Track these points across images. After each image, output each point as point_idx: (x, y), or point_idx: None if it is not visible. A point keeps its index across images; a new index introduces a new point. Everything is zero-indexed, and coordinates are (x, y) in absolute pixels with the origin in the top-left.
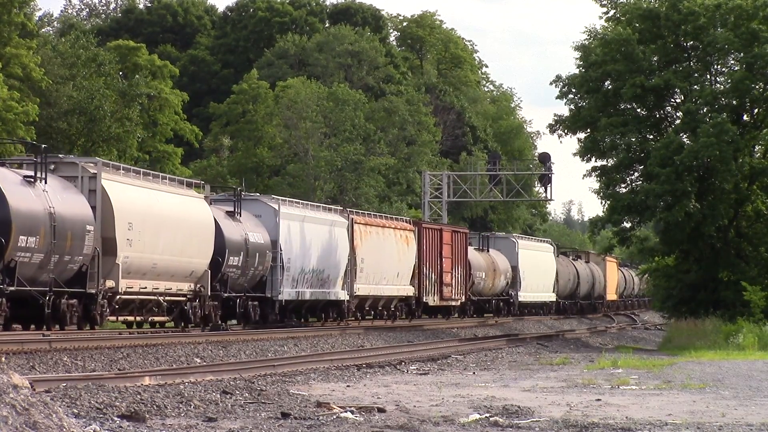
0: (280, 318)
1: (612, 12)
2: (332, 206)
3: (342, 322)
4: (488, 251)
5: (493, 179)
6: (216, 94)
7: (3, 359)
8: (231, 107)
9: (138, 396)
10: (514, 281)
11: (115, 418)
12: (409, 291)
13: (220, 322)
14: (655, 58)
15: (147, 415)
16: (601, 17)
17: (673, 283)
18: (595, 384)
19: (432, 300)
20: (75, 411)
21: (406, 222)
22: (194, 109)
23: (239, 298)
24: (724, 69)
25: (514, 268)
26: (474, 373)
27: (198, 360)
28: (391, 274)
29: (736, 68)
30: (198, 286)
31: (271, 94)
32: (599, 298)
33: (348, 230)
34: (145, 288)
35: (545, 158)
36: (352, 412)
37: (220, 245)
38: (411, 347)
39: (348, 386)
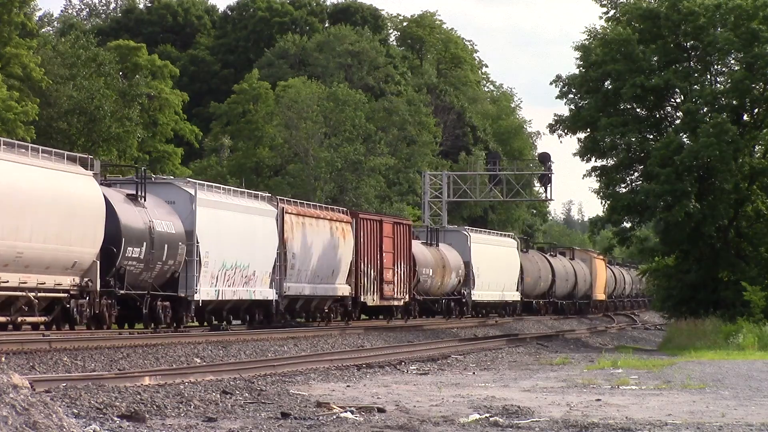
0: (199, 321)
1: (612, 12)
2: (260, 193)
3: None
4: (437, 246)
5: (493, 179)
6: (216, 94)
7: (3, 359)
8: (231, 107)
9: (138, 396)
10: (467, 279)
11: (115, 418)
12: (345, 290)
13: (109, 322)
14: (655, 58)
15: (147, 415)
16: (601, 17)
17: (673, 283)
18: (595, 384)
19: (371, 300)
20: (75, 411)
21: (342, 212)
22: (194, 109)
23: (144, 297)
24: (724, 69)
25: (467, 264)
26: (474, 373)
27: (198, 360)
28: (326, 271)
29: (736, 68)
30: (84, 280)
31: (271, 94)
32: (585, 297)
33: (278, 221)
34: (7, 282)
35: (545, 158)
36: (352, 412)
37: (115, 233)
38: (411, 347)
39: (348, 386)
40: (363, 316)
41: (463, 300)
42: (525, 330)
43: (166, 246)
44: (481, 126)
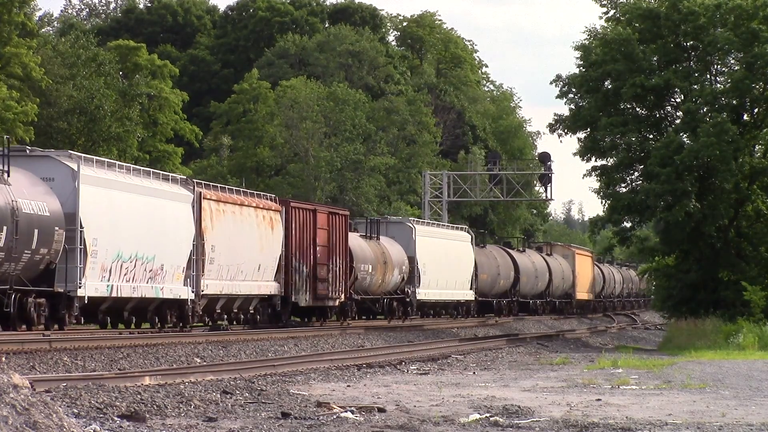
0: (91, 321)
1: (612, 12)
2: (172, 174)
3: (186, 328)
4: (377, 239)
5: (493, 179)
6: (216, 93)
7: (3, 359)
8: (232, 107)
9: (138, 396)
10: (412, 276)
11: (115, 418)
12: (274, 288)
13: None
14: (655, 58)
15: (147, 415)
16: (601, 17)
17: (673, 283)
18: (595, 384)
19: (303, 299)
20: (75, 411)
21: (271, 200)
22: (194, 109)
23: (10, 293)
24: (724, 69)
25: (412, 260)
26: (474, 373)
27: (198, 360)
28: (251, 266)
29: (736, 68)
30: None
31: (271, 93)
32: (564, 296)
33: (194, 207)
34: None
35: (545, 158)
36: (352, 412)
37: None
38: (411, 347)
39: (348, 386)
40: (294, 319)
41: (407, 299)
42: (525, 330)
43: (36, 231)
44: (481, 125)
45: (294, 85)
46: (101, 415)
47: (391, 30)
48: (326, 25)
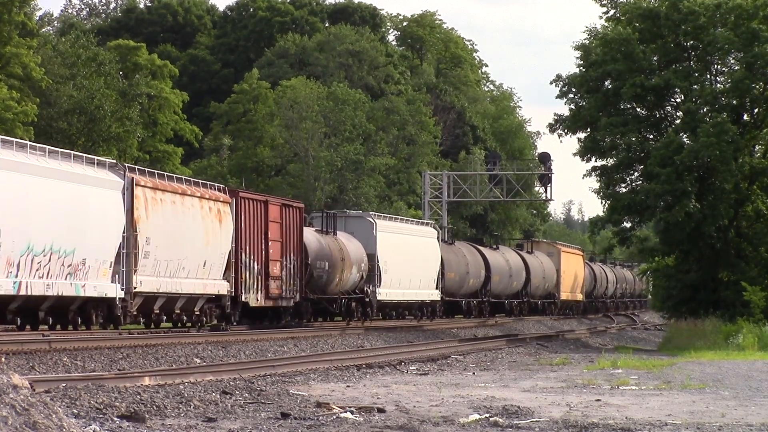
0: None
1: (612, 12)
2: (98, 157)
3: (117, 329)
4: (334, 234)
5: (493, 179)
6: (216, 93)
7: (3, 359)
8: (232, 107)
9: (138, 396)
10: (372, 274)
11: (115, 418)
12: (223, 287)
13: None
14: (655, 58)
15: (147, 416)
16: (601, 17)
17: (673, 283)
18: (594, 384)
19: (254, 299)
20: (75, 411)
21: (219, 190)
22: (194, 109)
23: None
24: (724, 69)
25: (372, 257)
26: (474, 373)
27: (198, 360)
28: (195, 262)
29: (736, 68)
30: None
31: (271, 93)
32: (547, 296)
33: (124, 195)
34: None
35: (545, 158)
36: (352, 413)
37: None
38: (411, 347)
39: (348, 386)
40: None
41: (367, 299)
42: (525, 330)
43: None
44: (480, 126)
45: (293, 85)
46: (101, 416)
47: (391, 30)
48: (326, 25)
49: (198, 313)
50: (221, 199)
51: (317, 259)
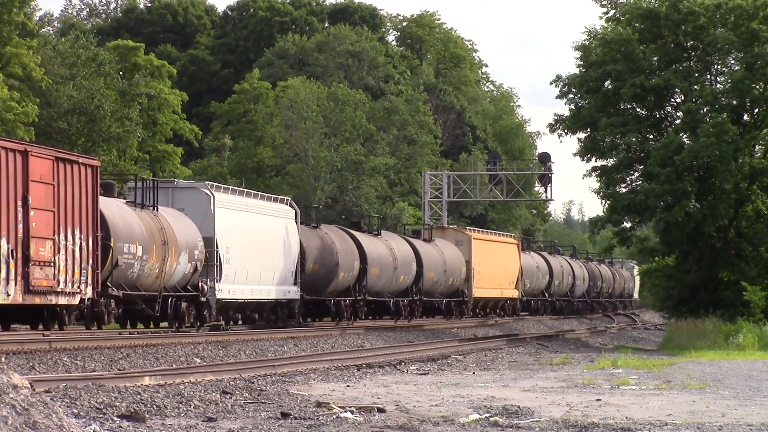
0: None
1: (612, 12)
2: None
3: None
4: (155, 210)
5: (493, 179)
6: (216, 94)
7: (3, 359)
8: (232, 107)
9: (138, 396)
10: (209, 265)
11: (115, 418)
12: None
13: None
14: (655, 58)
15: (147, 415)
16: (601, 17)
17: (673, 283)
18: (595, 384)
19: (2, 294)
20: (75, 411)
21: None
22: (194, 109)
23: None
24: (724, 69)
25: (209, 242)
26: (474, 373)
27: (198, 360)
28: None
29: (736, 68)
30: None
31: (271, 94)
32: (454, 294)
33: None
34: None
35: (545, 158)
36: (352, 412)
37: None
38: (411, 347)
39: (348, 386)
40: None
41: (203, 298)
42: (525, 330)
43: None
44: (481, 126)
45: (293, 85)
46: (101, 415)
47: (391, 30)
48: (326, 25)
49: None
50: None
51: (125, 240)
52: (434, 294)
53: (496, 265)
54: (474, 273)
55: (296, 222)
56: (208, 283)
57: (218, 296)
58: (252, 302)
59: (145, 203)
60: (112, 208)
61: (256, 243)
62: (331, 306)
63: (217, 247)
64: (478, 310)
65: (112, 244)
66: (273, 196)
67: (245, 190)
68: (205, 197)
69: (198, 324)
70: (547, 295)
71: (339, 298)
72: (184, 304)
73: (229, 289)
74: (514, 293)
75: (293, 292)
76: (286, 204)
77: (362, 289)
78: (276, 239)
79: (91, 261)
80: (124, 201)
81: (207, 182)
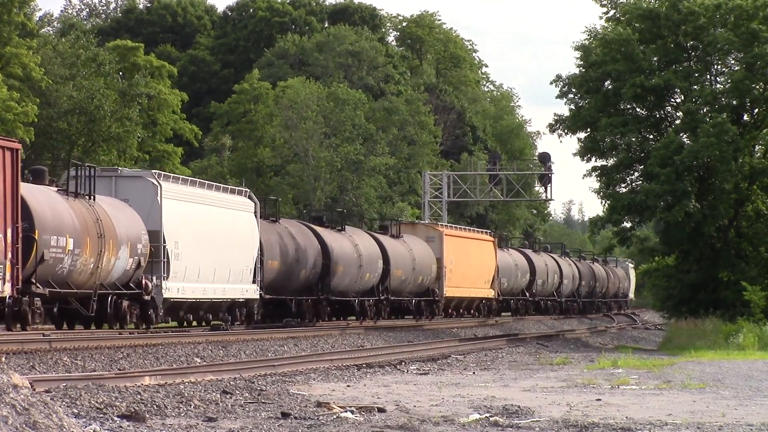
0: None
1: (612, 12)
2: None
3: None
4: (91, 199)
5: (493, 179)
6: (216, 94)
7: (3, 359)
8: (232, 107)
9: (138, 396)
10: (155, 261)
11: (115, 418)
12: None
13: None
14: (655, 58)
15: (147, 415)
16: (601, 17)
17: (673, 283)
18: (595, 384)
19: None
20: (75, 411)
21: None
22: (194, 109)
23: None
24: (724, 69)
25: (155, 236)
26: (474, 373)
27: (198, 360)
28: None
29: (736, 68)
30: None
31: (271, 94)
32: (425, 293)
33: None
34: None
35: (545, 158)
36: (352, 412)
37: None
38: (411, 347)
39: (348, 386)
40: None
41: (148, 297)
42: (525, 330)
43: None
44: (481, 126)
45: (293, 85)
46: (101, 415)
47: (391, 30)
48: (326, 25)
49: None
50: None
51: (53, 232)
52: (402, 293)
53: (470, 263)
54: (446, 271)
55: (256, 216)
56: (154, 280)
57: (165, 295)
58: (205, 302)
59: (80, 192)
60: (39, 196)
61: (209, 237)
62: (292, 306)
63: (164, 242)
64: (450, 310)
65: (36, 237)
66: (231, 187)
67: (198, 180)
68: (151, 186)
69: (143, 325)
70: (528, 294)
71: (301, 297)
72: (125, 303)
73: (178, 287)
74: (490, 293)
75: (252, 291)
76: (245, 196)
77: (325, 288)
78: (232, 234)
79: (10, 255)
80: (56, 189)
81: (153, 171)
